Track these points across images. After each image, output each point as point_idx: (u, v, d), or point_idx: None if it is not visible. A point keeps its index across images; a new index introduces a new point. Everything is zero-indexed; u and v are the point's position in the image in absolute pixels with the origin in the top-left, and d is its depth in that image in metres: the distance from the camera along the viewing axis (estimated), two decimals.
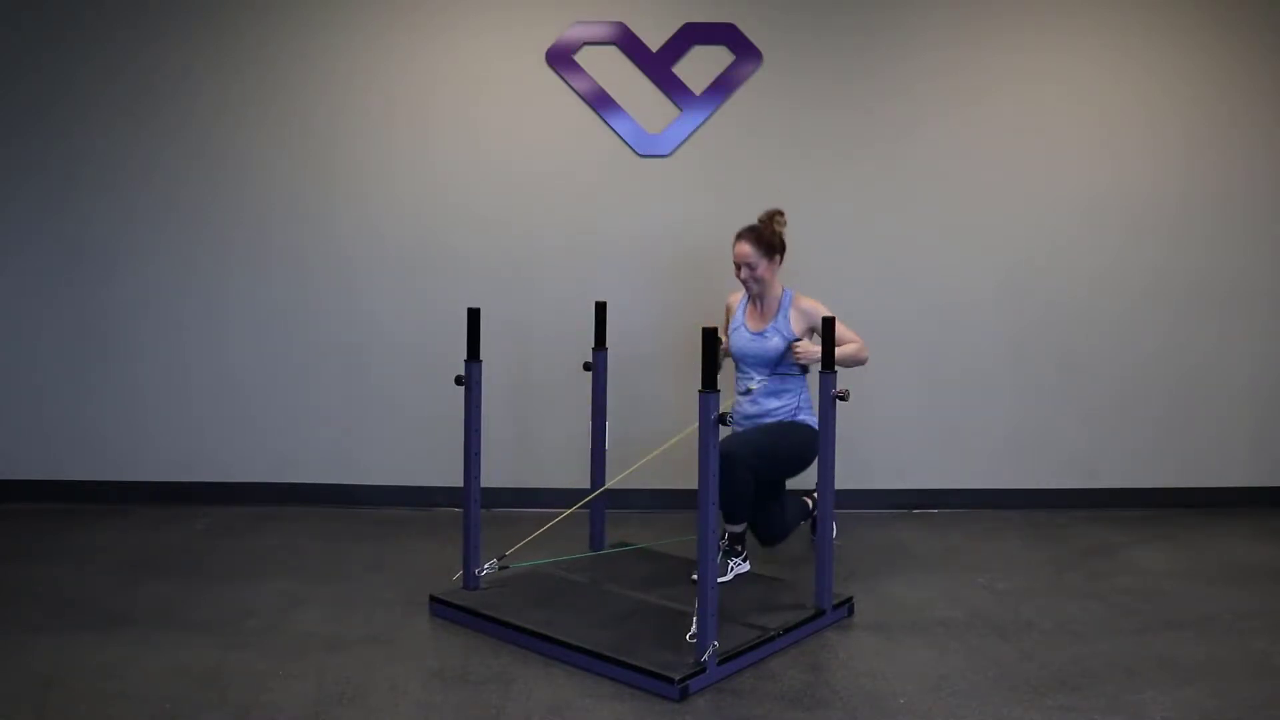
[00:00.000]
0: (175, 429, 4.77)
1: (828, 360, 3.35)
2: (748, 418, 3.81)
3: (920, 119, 4.75)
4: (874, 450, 4.79)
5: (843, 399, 3.33)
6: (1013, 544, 4.34)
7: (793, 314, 3.76)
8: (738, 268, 3.76)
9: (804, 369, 3.79)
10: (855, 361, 3.71)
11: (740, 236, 3.77)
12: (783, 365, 3.76)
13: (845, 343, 3.68)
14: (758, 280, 3.76)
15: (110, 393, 4.75)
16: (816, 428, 3.77)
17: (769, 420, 3.77)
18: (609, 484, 4.00)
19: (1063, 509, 4.82)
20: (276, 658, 3.10)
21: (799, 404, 3.79)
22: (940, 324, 4.80)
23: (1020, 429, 4.84)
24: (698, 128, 4.71)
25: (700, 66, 4.70)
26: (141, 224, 4.72)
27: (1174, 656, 3.17)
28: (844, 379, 3.46)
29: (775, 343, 3.74)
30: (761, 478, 3.66)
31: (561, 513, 4.00)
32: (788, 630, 3.23)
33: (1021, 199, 4.78)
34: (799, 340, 3.71)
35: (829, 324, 3.36)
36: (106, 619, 3.38)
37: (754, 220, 3.85)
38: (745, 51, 4.69)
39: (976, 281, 4.79)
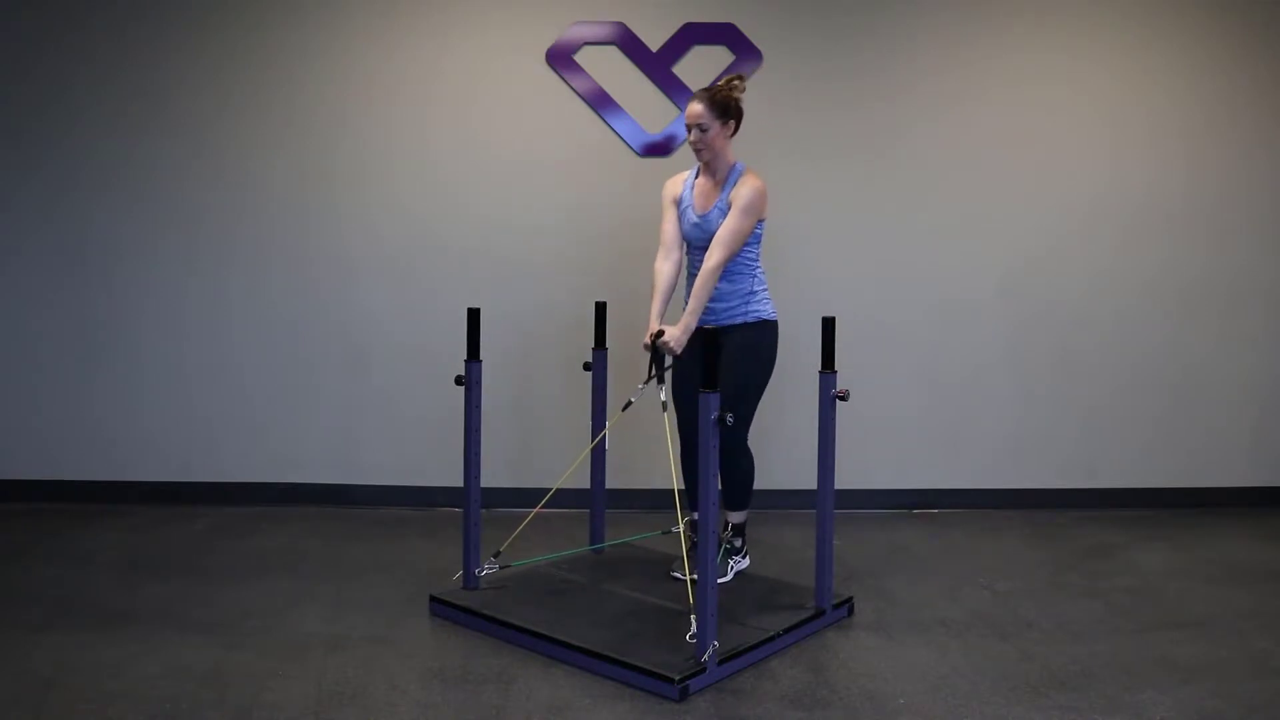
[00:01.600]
0: (175, 429, 4.77)
1: (828, 359, 3.34)
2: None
3: (921, 118, 4.75)
4: (874, 450, 4.79)
5: (843, 399, 3.33)
6: (1013, 544, 4.34)
7: (734, 189, 3.54)
8: (689, 130, 3.57)
9: (756, 238, 3.59)
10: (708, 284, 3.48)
11: (694, 97, 3.57)
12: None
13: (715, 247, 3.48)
14: (708, 145, 3.54)
15: (110, 393, 4.75)
16: (772, 317, 3.63)
17: (721, 323, 3.56)
18: (560, 480, 4.00)
19: (1062, 509, 4.82)
20: (276, 658, 3.10)
21: (751, 289, 3.60)
22: (940, 324, 4.80)
23: (1020, 429, 4.84)
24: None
25: (700, 66, 4.70)
26: (141, 224, 4.72)
27: (1174, 656, 3.17)
28: (841, 380, 3.45)
29: (718, 223, 3.54)
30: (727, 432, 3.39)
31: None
32: (788, 630, 3.23)
33: (1021, 199, 4.79)
34: (663, 331, 3.44)
35: (829, 324, 3.36)
36: (106, 619, 3.38)
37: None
38: (745, 51, 4.69)
39: (976, 281, 4.79)
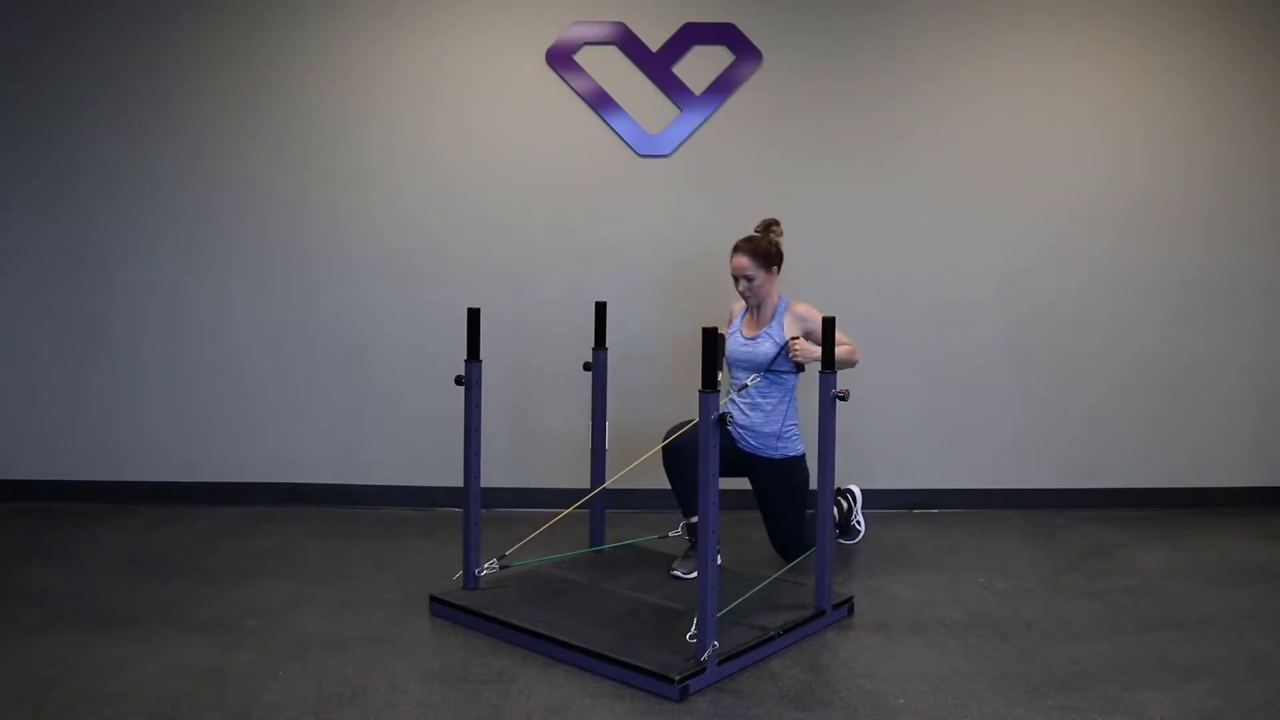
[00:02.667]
0: (175, 429, 4.77)
1: (827, 360, 3.35)
2: (737, 428, 3.87)
3: (920, 119, 4.75)
4: (874, 450, 4.79)
5: (843, 399, 3.34)
6: (1013, 544, 4.34)
7: (787, 319, 3.78)
8: (736, 280, 3.76)
9: (799, 368, 3.78)
10: (847, 364, 3.71)
11: (737, 249, 3.76)
12: (774, 368, 3.76)
13: (839, 345, 3.68)
14: (755, 292, 3.77)
15: (110, 393, 4.75)
16: (802, 452, 3.88)
17: (757, 452, 3.83)
18: (608, 483, 4.00)
19: (1063, 509, 4.82)
20: (276, 658, 3.10)
21: (784, 420, 3.80)
22: (940, 324, 4.80)
23: (1020, 429, 4.84)
24: (698, 128, 4.71)
25: (700, 66, 4.70)
26: (141, 224, 4.72)
27: (1174, 656, 3.17)
28: (841, 379, 3.46)
29: (766, 347, 3.76)
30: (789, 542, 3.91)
31: (559, 512, 4.00)
32: (788, 630, 3.23)
33: (1021, 199, 4.79)
34: (795, 339, 3.70)
35: (829, 324, 3.36)
36: (106, 619, 3.38)
37: (752, 225, 3.85)
38: (745, 51, 4.69)
39: (976, 281, 4.80)
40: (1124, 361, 4.84)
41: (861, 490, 4.37)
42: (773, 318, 3.80)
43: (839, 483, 4.17)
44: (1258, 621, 3.46)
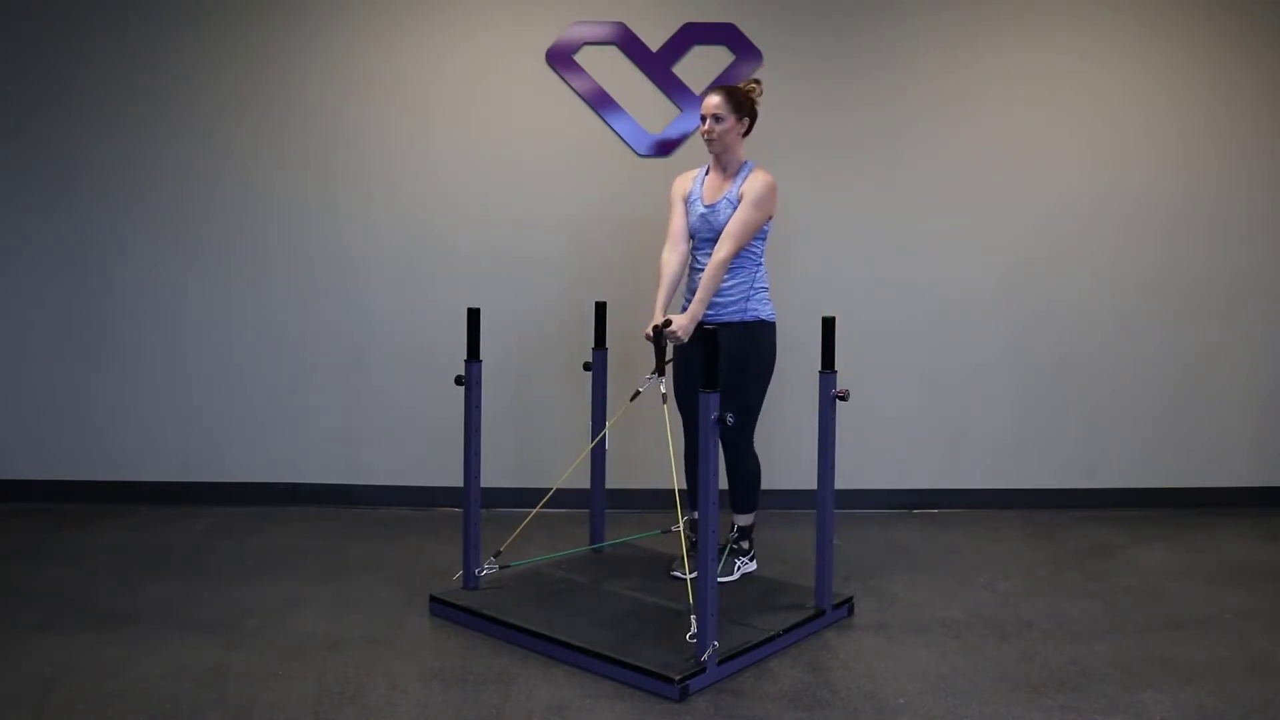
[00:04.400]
0: (175, 429, 4.77)
1: (828, 360, 3.35)
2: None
3: (920, 119, 4.75)
4: (874, 450, 4.79)
5: (843, 399, 3.33)
6: (1013, 544, 4.34)
7: (745, 183, 3.57)
8: (703, 119, 3.61)
9: (763, 235, 3.62)
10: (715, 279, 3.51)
11: (712, 89, 3.64)
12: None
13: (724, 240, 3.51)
14: (720, 138, 3.58)
15: (110, 393, 4.75)
16: (771, 318, 3.65)
17: (720, 319, 3.59)
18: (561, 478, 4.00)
19: (1063, 509, 4.82)
20: (276, 658, 3.10)
21: (752, 285, 3.61)
22: (940, 324, 4.80)
23: (1020, 429, 4.84)
24: (698, 128, 4.70)
25: (700, 66, 4.70)
26: (141, 224, 4.72)
27: (1174, 656, 3.17)
28: (841, 380, 3.45)
29: (726, 215, 3.57)
30: (730, 434, 3.57)
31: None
32: (788, 630, 3.23)
33: (1021, 199, 4.79)
34: (669, 320, 3.47)
35: (828, 324, 3.36)
36: (106, 619, 3.38)
37: None
38: (745, 51, 4.69)
39: (976, 281, 4.79)
40: (1124, 361, 4.84)
41: (861, 490, 4.37)
42: (735, 179, 3.61)
43: (839, 483, 4.16)
44: (1258, 621, 3.46)
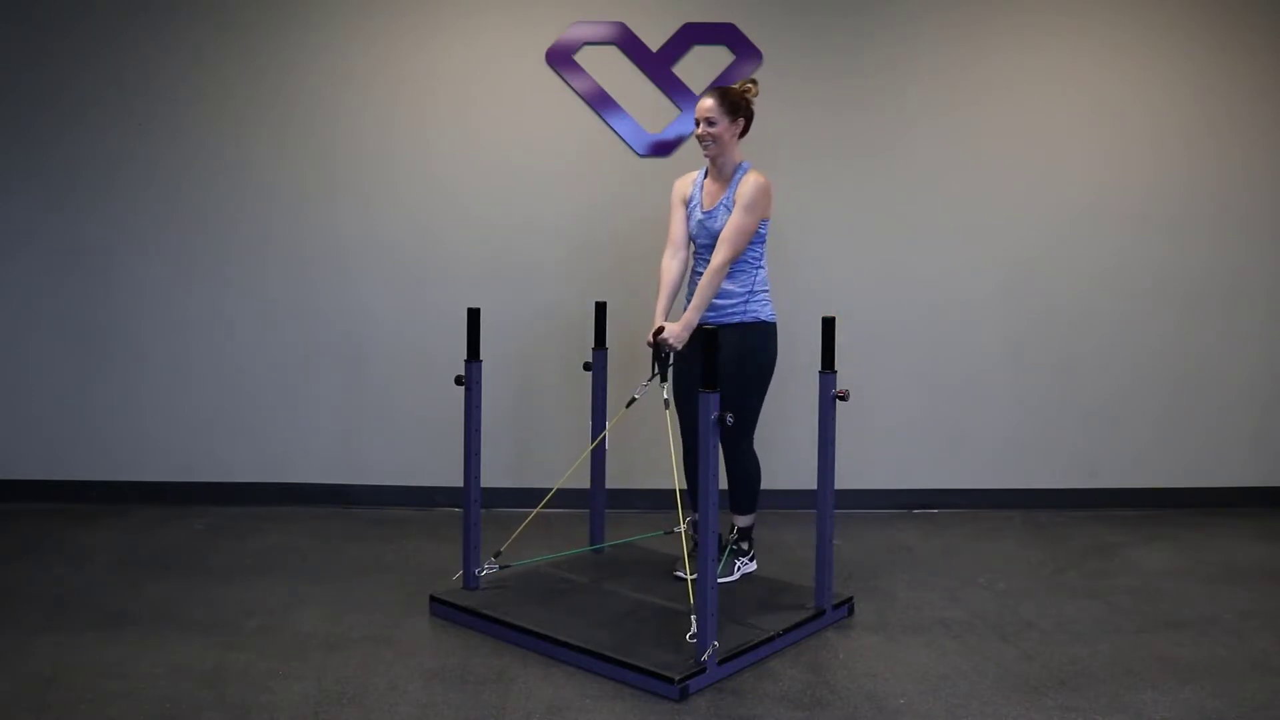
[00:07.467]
0: (175, 429, 4.77)
1: (828, 360, 3.35)
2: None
3: (920, 119, 4.75)
4: (874, 450, 4.79)
5: (843, 399, 3.33)
6: (1013, 544, 4.34)
7: (738, 187, 3.56)
8: (697, 124, 3.59)
9: (760, 237, 3.60)
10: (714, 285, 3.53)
11: (705, 92, 3.63)
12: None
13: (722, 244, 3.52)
14: (715, 140, 3.55)
15: (110, 393, 4.75)
16: (772, 319, 3.64)
17: (721, 320, 3.58)
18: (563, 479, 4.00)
19: (1063, 509, 4.82)
20: (276, 658, 3.10)
21: (752, 288, 3.61)
22: (940, 324, 4.80)
23: (1020, 429, 4.84)
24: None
25: (700, 66, 4.70)
26: (141, 223, 4.72)
27: (1174, 656, 3.17)
28: (841, 380, 3.46)
29: (724, 220, 3.56)
30: (730, 435, 3.55)
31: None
32: (788, 630, 3.23)
33: (1021, 199, 4.79)
34: (661, 328, 3.49)
35: (828, 325, 3.36)
36: (106, 619, 3.38)
37: None
38: (745, 51, 4.69)
39: (976, 281, 4.79)
40: (1124, 361, 4.84)
41: (861, 490, 4.37)
42: (731, 183, 3.60)
43: (839, 483, 4.16)
44: (1258, 621, 3.46)
